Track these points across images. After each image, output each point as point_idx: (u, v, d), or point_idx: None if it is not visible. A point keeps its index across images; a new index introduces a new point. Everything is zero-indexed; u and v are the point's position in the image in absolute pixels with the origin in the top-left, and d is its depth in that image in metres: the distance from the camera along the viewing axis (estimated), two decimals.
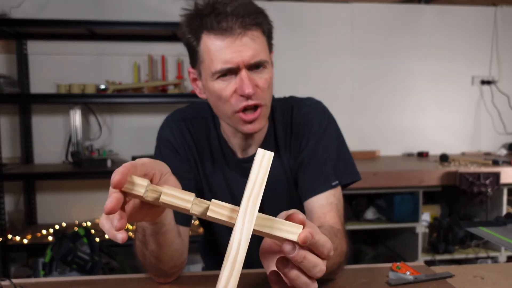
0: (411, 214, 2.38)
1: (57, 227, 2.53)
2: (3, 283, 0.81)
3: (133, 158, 2.52)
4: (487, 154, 3.02)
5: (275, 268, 0.52)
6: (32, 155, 2.69)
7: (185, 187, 0.96)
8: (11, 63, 2.67)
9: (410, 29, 3.02)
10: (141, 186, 0.49)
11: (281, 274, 0.51)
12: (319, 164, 0.96)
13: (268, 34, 0.91)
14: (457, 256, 2.40)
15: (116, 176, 0.48)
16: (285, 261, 0.49)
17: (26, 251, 2.58)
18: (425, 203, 2.52)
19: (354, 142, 2.89)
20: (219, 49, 0.83)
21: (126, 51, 2.74)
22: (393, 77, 3.03)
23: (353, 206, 2.51)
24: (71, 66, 2.69)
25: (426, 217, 2.46)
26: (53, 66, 2.68)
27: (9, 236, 2.40)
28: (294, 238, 0.48)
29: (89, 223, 2.56)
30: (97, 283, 0.84)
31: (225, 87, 0.86)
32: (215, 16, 0.82)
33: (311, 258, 0.48)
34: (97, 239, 2.13)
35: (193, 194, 0.50)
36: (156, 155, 1.01)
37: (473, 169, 2.34)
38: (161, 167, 0.57)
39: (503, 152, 2.94)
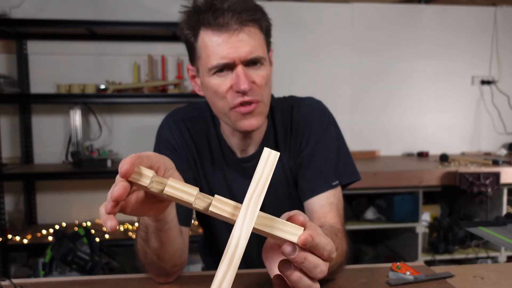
0: (411, 214, 2.38)
1: (57, 227, 2.53)
2: (3, 283, 0.81)
3: None
4: (487, 154, 3.02)
5: (278, 272, 0.52)
6: (32, 155, 2.69)
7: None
8: (11, 63, 2.67)
9: (410, 29, 3.02)
10: (147, 177, 0.50)
11: (284, 278, 0.51)
12: (319, 164, 0.96)
13: (266, 32, 0.91)
14: (457, 256, 2.40)
15: (124, 165, 0.48)
16: (287, 264, 0.49)
17: (26, 251, 2.58)
18: (425, 203, 2.52)
19: (354, 142, 2.89)
20: (216, 44, 0.84)
21: (126, 51, 2.74)
22: (393, 77, 3.03)
23: (353, 206, 2.51)
24: (71, 66, 2.69)
25: (426, 217, 2.46)
26: (53, 66, 2.68)
27: (9, 236, 2.40)
28: (294, 239, 0.48)
29: (89, 223, 2.56)
30: (97, 283, 0.84)
31: (221, 83, 0.86)
32: (212, 12, 0.83)
33: (312, 259, 0.48)
34: (97, 239, 2.13)
35: (197, 188, 0.50)
36: None
37: (473, 169, 2.34)
38: (166, 162, 0.57)
39: (503, 152, 2.94)
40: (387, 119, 3.03)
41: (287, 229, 0.49)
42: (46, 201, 2.71)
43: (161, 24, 2.48)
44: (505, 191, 2.38)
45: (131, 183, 0.50)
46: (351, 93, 3.00)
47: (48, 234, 2.44)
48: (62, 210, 2.70)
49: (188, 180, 0.98)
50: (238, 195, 0.99)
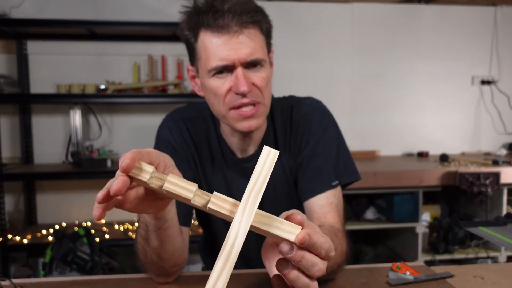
0: (411, 214, 2.38)
1: (57, 227, 2.53)
2: (3, 283, 0.81)
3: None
4: (487, 154, 3.02)
5: (277, 271, 0.52)
6: (32, 155, 2.69)
7: None
8: (11, 63, 2.67)
9: (410, 29, 3.02)
10: (147, 172, 0.50)
11: (283, 277, 0.51)
12: (319, 164, 0.96)
13: (266, 33, 0.90)
14: (457, 256, 2.40)
15: (125, 160, 0.48)
16: (285, 262, 0.49)
17: (26, 251, 2.58)
18: (425, 203, 2.52)
19: (354, 142, 2.89)
20: (216, 46, 0.83)
21: (126, 51, 2.74)
22: (393, 77, 3.03)
23: (353, 206, 2.51)
24: (71, 66, 2.69)
25: (426, 217, 2.46)
26: (53, 66, 2.68)
27: (9, 236, 2.40)
28: (292, 238, 0.48)
29: (89, 223, 2.56)
30: (97, 283, 0.84)
31: (221, 84, 0.86)
32: (212, 13, 0.83)
33: (310, 257, 0.48)
34: (97, 239, 2.13)
35: (196, 185, 0.50)
36: None
37: (473, 169, 2.34)
38: (166, 159, 0.57)
39: (503, 152, 2.94)
40: (387, 119, 3.03)
41: (285, 228, 0.49)
42: (46, 201, 2.71)
43: (161, 24, 2.48)
44: (505, 191, 2.38)
45: (131, 179, 0.50)
46: (351, 93, 3.00)
47: (48, 234, 2.44)
48: (62, 210, 2.70)
49: (188, 179, 0.98)
50: (237, 195, 0.99)
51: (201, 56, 0.87)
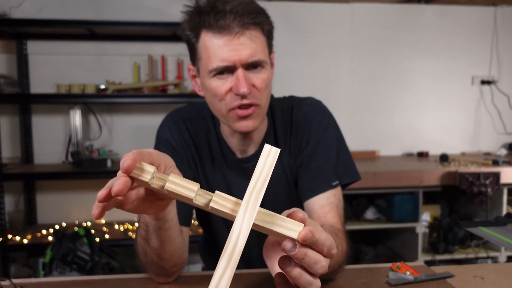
0: (411, 214, 2.38)
1: (57, 227, 2.53)
2: (3, 283, 0.81)
3: None
4: (487, 154, 3.02)
5: (279, 269, 0.52)
6: (32, 155, 2.69)
7: None
8: (11, 63, 2.67)
9: (410, 29, 3.02)
10: (148, 173, 0.50)
11: (286, 275, 0.51)
12: (319, 164, 0.96)
13: (268, 35, 0.90)
14: (457, 256, 2.40)
15: (126, 161, 0.48)
16: (287, 260, 0.49)
17: (26, 251, 2.58)
18: (425, 203, 2.52)
19: (354, 142, 2.89)
20: (217, 47, 0.83)
21: (126, 51, 2.74)
22: (393, 77, 3.03)
23: (353, 206, 2.51)
24: (71, 66, 2.69)
25: (426, 217, 2.46)
26: (53, 66, 2.68)
27: (9, 236, 2.40)
28: (295, 235, 0.48)
29: (89, 223, 2.56)
30: (97, 283, 0.84)
31: (221, 85, 0.86)
32: (214, 14, 0.83)
33: (312, 255, 0.48)
34: (97, 239, 2.13)
35: (198, 184, 0.50)
36: None
37: (473, 169, 2.34)
38: (166, 160, 0.57)
39: (503, 152, 2.94)
40: (387, 119, 3.03)
41: (287, 225, 0.49)
42: (46, 201, 2.71)
43: (161, 24, 2.48)
44: (505, 191, 2.38)
45: (132, 180, 0.50)
46: (351, 93, 3.00)
47: (48, 234, 2.44)
48: (62, 210, 2.70)
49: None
50: (238, 195, 0.99)
51: (202, 56, 0.87)
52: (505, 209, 2.39)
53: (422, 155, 2.96)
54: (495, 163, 2.49)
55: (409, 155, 3.03)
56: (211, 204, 0.49)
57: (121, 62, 2.73)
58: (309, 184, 0.95)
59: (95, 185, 2.70)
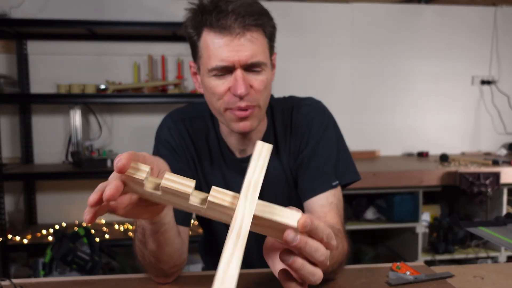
0: (411, 214, 2.38)
1: (57, 227, 2.53)
2: (3, 283, 0.81)
3: None
4: (487, 154, 3.02)
5: (281, 266, 0.52)
6: (32, 155, 2.69)
7: None
8: (11, 63, 2.67)
9: (410, 29, 3.02)
10: (143, 172, 0.50)
11: (289, 270, 0.51)
12: (319, 164, 0.96)
13: (270, 36, 0.90)
14: (457, 256, 2.40)
15: (121, 160, 0.48)
16: (288, 253, 0.49)
17: (26, 251, 2.58)
18: (425, 203, 2.52)
19: (354, 142, 2.89)
20: (217, 46, 0.84)
21: (126, 51, 2.74)
22: (393, 77, 3.03)
23: (353, 206, 2.51)
24: (71, 66, 2.69)
25: (426, 217, 2.46)
26: (53, 66, 2.68)
27: (9, 236, 2.40)
28: (294, 223, 0.48)
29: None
30: (97, 283, 0.84)
31: (220, 84, 0.87)
32: (216, 13, 0.83)
33: (313, 243, 0.48)
34: (97, 239, 2.13)
35: (194, 181, 0.50)
36: (154, 155, 1.01)
37: (473, 169, 2.34)
38: (159, 164, 0.57)
39: (503, 152, 2.94)
40: (387, 119, 3.03)
41: (286, 215, 0.49)
42: (46, 201, 2.71)
43: (161, 24, 2.48)
44: (505, 191, 2.38)
45: (124, 185, 0.50)
46: (351, 93, 3.00)
47: (48, 234, 2.44)
48: (62, 210, 2.70)
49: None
50: None
51: (203, 55, 0.87)
52: (505, 209, 2.39)
53: (422, 155, 2.96)
54: (495, 163, 2.49)
55: (409, 155, 3.03)
56: (209, 198, 0.49)
57: (121, 62, 2.73)
58: (309, 184, 0.95)
59: (95, 185, 2.68)
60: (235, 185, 1.01)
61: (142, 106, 2.77)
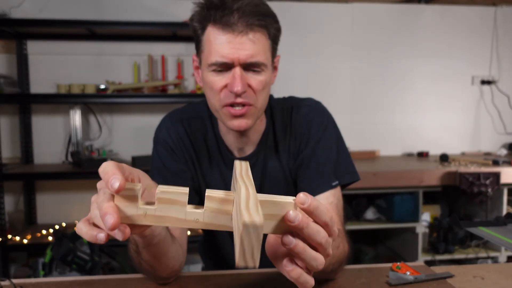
0: (411, 214, 2.38)
1: (57, 227, 2.53)
2: (3, 283, 0.81)
3: (133, 158, 2.53)
4: (487, 154, 3.02)
5: (284, 263, 0.52)
6: (32, 155, 2.69)
7: (183, 186, 0.96)
8: (11, 63, 2.67)
9: (410, 29, 3.02)
10: (135, 189, 0.48)
11: (291, 252, 0.51)
12: (319, 164, 0.96)
13: (273, 38, 0.91)
14: (457, 256, 2.40)
15: (116, 180, 0.46)
16: (290, 237, 0.49)
17: (26, 251, 2.58)
18: (425, 203, 2.52)
19: (354, 142, 2.89)
20: (219, 43, 0.84)
21: (126, 51, 2.74)
22: (393, 77, 3.03)
23: (353, 206, 2.51)
24: (71, 66, 2.69)
25: (426, 217, 2.46)
26: (53, 66, 2.68)
27: (9, 236, 2.40)
28: (292, 201, 0.48)
29: None
30: (97, 283, 0.84)
31: (218, 80, 0.87)
32: (221, 10, 0.83)
33: (314, 225, 0.48)
34: None
35: (187, 188, 0.50)
36: (153, 156, 1.01)
37: (473, 169, 2.34)
38: (140, 174, 0.57)
39: (503, 152, 2.94)
40: (387, 119, 3.03)
41: (282, 198, 0.49)
42: (46, 201, 2.71)
43: (161, 24, 2.48)
44: (505, 191, 2.38)
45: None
46: (351, 93, 3.00)
47: (48, 234, 2.44)
48: (62, 210, 2.70)
49: (186, 180, 0.98)
50: None
51: (205, 49, 0.88)
52: (505, 209, 2.39)
53: (422, 155, 2.96)
54: (495, 163, 2.49)
55: (409, 155, 3.03)
56: (207, 193, 0.49)
57: (121, 62, 2.73)
58: (309, 184, 0.95)
59: (95, 185, 2.69)
60: None
61: (142, 106, 2.77)
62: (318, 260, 0.49)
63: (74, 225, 2.58)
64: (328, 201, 0.92)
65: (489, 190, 2.27)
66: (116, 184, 0.46)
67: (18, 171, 2.41)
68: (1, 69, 2.66)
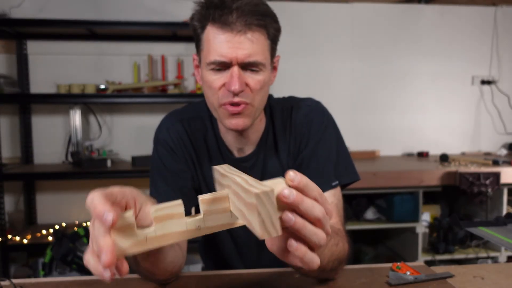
0: (411, 214, 2.38)
1: (57, 227, 2.53)
2: (3, 283, 0.81)
3: (133, 158, 2.53)
4: (487, 154, 3.02)
5: (287, 255, 0.52)
6: (32, 155, 2.69)
7: (183, 186, 0.96)
8: (11, 63, 2.67)
9: (410, 29, 3.02)
10: (128, 217, 0.48)
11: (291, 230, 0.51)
12: (319, 164, 0.96)
13: (272, 38, 0.91)
14: (457, 256, 2.40)
15: (109, 215, 0.46)
16: (289, 214, 0.49)
17: (26, 251, 2.58)
18: (425, 203, 2.52)
19: (354, 142, 2.89)
20: (218, 42, 0.85)
21: (126, 51, 2.74)
22: (393, 77, 3.03)
23: (353, 206, 2.51)
24: (71, 66, 2.69)
25: (426, 217, 2.46)
26: (53, 66, 2.68)
27: (9, 236, 2.40)
28: (282, 179, 0.48)
29: (89, 223, 2.55)
30: (97, 283, 0.84)
31: (216, 79, 0.88)
32: (221, 9, 0.84)
33: (308, 200, 0.49)
34: None
35: (180, 200, 0.50)
36: (153, 155, 1.02)
37: (473, 169, 2.34)
38: (132, 193, 0.57)
39: (503, 152, 2.93)
40: (387, 119, 3.03)
41: (273, 179, 0.49)
42: (46, 201, 2.71)
43: (161, 24, 2.48)
44: (505, 191, 2.37)
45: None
46: (351, 93, 2.99)
47: (48, 234, 2.44)
48: (62, 210, 2.70)
49: (186, 180, 0.98)
50: None
51: (204, 48, 0.88)
52: (505, 209, 2.39)
53: (422, 155, 2.96)
54: (495, 163, 2.48)
55: (409, 155, 3.03)
56: (200, 198, 0.49)
57: (121, 62, 2.73)
58: None
59: (95, 185, 2.68)
60: None
61: (142, 106, 2.77)
62: (319, 234, 0.50)
63: (74, 225, 2.58)
64: (328, 201, 0.92)
65: (489, 190, 2.27)
66: (109, 219, 0.46)
67: (18, 171, 2.41)
68: (1, 69, 2.66)
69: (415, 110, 3.05)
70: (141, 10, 2.70)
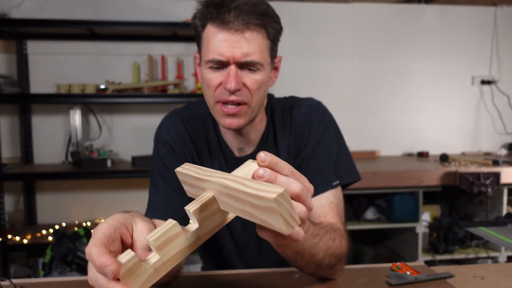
0: (411, 214, 2.38)
1: (57, 227, 2.53)
2: (3, 283, 0.81)
3: (133, 158, 2.53)
4: (487, 154, 3.02)
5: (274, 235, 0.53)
6: (32, 155, 2.69)
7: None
8: (11, 63, 2.67)
9: (410, 29, 3.02)
10: (130, 258, 0.48)
11: None
12: (319, 164, 0.96)
13: (272, 38, 0.91)
14: (457, 256, 2.40)
15: (110, 267, 0.47)
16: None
17: (26, 251, 2.58)
18: (425, 203, 2.52)
19: (354, 142, 2.89)
20: (216, 40, 0.85)
21: (126, 51, 2.74)
22: (393, 77, 3.03)
23: (353, 206, 2.51)
24: (71, 66, 2.69)
25: (426, 217, 2.46)
26: (53, 66, 2.68)
27: (9, 236, 2.40)
28: (254, 163, 0.51)
29: (89, 223, 2.56)
30: None
31: (214, 78, 0.88)
32: (220, 8, 0.84)
33: (282, 177, 0.51)
34: None
35: (172, 221, 0.50)
36: (154, 155, 1.02)
37: (473, 169, 2.34)
38: (127, 223, 0.57)
39: (503, 152, 2.93)
40: (387, 119, 3.03)
41: (245, 164, 0.52)
42: (46, 201, 2.71)
43: (161, 24, 2.48)
44: (505, 191, 2.38)
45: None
46: (351, 93, 2.99)
47: (48, 234, 2.44)
48: (62, 210, 2.70)
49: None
50: None
51: (203, 47, 0.89)
52: (505, 209, 2.39)
53: (422, 155, 2.96)
54: (495, 163, 2.48)
55: (409, 155, 3.03)
56: (188, 209, 0.50)
57: (121, 62, 2.73)
58: None
59: (95, 185, 2.70)
60: None
61: (142, 106, 2.77)
62: (299, 207, 0.51)
63: (74, 225, 2.58)
64: (329, 201, 0.92)
65: (489, 190, 2.27)
66: (110, 274, 0.47)
67: (18, 171, 2.41)
68: (1, 69, 2.66)
69: (415, 110, 3.05)
70: (141, 10, 2.70)
